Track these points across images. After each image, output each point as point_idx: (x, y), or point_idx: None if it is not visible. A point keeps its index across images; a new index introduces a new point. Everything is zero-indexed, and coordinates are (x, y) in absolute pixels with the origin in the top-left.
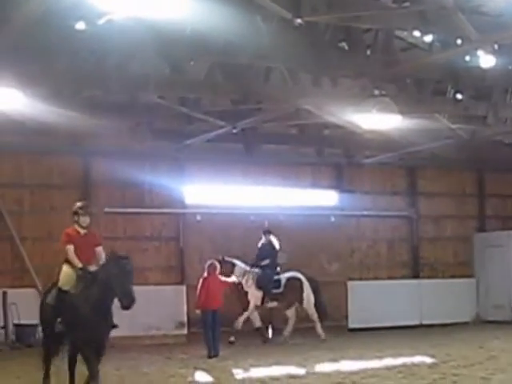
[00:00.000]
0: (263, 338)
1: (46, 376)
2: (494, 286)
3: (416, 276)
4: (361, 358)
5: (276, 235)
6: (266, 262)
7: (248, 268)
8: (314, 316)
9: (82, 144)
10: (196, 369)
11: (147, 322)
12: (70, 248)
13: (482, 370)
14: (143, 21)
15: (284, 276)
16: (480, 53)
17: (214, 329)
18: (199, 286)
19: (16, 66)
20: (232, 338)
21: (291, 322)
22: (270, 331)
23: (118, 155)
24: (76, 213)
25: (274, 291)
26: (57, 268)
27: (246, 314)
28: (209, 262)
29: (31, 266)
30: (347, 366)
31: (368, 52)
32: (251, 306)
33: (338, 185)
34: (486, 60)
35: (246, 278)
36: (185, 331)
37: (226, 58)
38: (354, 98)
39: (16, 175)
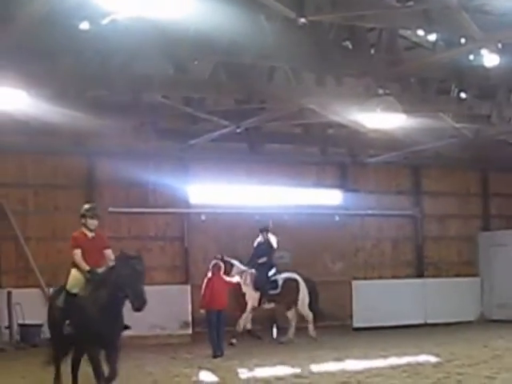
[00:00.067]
0: (256, 337)
1: (57, 377)
2: (498, 285)
3: (420, 275)
4: (365, 357)
5: (278, 234)
6: (263, 260)
7: (245, 268)
8: (310, 317)
9: (86, 144)
10: (201, 368)
11: (152, 321)
12: (78, 252)
13: (486, 369)
14: (147, 21)
15: (281, 277)
16: (484, 52)
17: (218, 329)
18: (204, 286)
19: (20, 66)
20: (234, 340)
21: (293, 323)
22: (275, 331)
23: (123, 155)
24: (84, 215)
25: (271, 292)
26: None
27: (244, 316)
28: (213, 262)
29: (35, 265)
30: (352, 365)
31: (372, 51)
32: (249, 307)
33: (343, 184)
34: (490, 59)
35: (243, 278)
36: (189, 331)
37: (229, 58)
38: (358, 97)
39: (20, 175)
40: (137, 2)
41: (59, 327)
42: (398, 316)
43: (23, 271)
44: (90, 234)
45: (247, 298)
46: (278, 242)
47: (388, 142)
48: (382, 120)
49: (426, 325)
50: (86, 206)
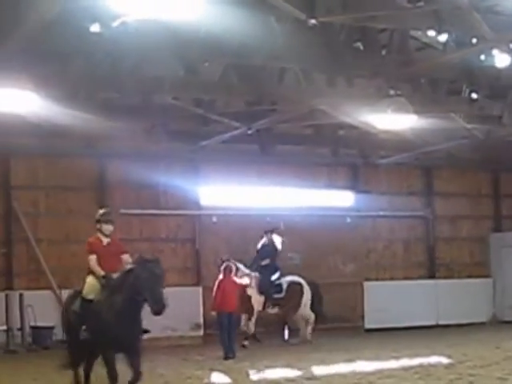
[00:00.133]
0: (256, 339)
1: (77, 382)
2: (510, 286)
3: (432, 276)
4: (377, 358)
5: (289, 235)
6: (266, 262)
7: (248, 271)
8: (311, 318)
9: (97, 146)
10: (212, 370)
11: (163, 323)
12: (93, 258)
13: (498, 370)
14: (158, 23)
15: (285, 280)
16: (495, 52)
17: (229, 331)
18: (215, 288)
19: (31, 68)
20: (246, 342)
21: (303, 325)
22: (286, 333)
23: (133, 157)
24: (98, 221)
25: (276, 296)
26: (72, 269)
27: (253, 319)
28: (224, 264)
29: (47, 267)
30: (363, 366)
31: (383, 52)
32: (255, 310)
33: (354, 185)
34: (501, 59)
35: (249, 281)
36: (201, 333)
37: (240, 60)
38: (369, 98)
39: (31, 177)
40: (147, 5)
41: (75, 332)
42: (410, 317)
43: (35, 273)
44: (105, 240)
45: (253, 301)
46: (282, 244)
47: (399, 143)
48: (393, 121)
49: (437, 326)
50: (101, 212)
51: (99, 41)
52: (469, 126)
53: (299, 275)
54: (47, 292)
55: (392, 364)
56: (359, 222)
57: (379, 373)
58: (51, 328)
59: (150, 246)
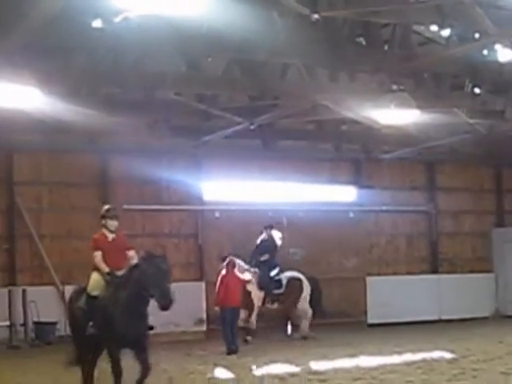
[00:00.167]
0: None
1: (86, 378)
2: None
3: (435, 271)
4: (380, 353)
5: (292, 230)
6: (265, 257)
7: (247, 267)
8: (308, 314)
9: (100, 142)
10: (215, 365)
11: (166, 318)
12: (98, 254)
13: (501, 364)
14: (160, 18)
15: (285, 276)
16: (498, 47)
17: (232, 326)
18: (218, 283)
19: (34, 64)
20: (248, 338)
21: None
22: (289, 327)
23: (136, 152)
24: (103, 217)
25: (276, 292)
26: (75, 265)
27: (254, 315)
28: (227, 260)
29: (50, 263)
30: (366, 361)
31: (386, 47)
32: (255, 305)
33: (357, 180)
34: (504, 54)
35: (250, 277)
36: (204, 328)
37: (242, 55)
38: (371, 94)
39: (34, 173)
40: (149, 0)
41: (82, 328)
42: (413, 312)
43: (38, 269)
44: (110, 236)
45: (253, 296)
46: (282, 239)
47: (402, 138)
48: (396, 116)
49: (440, 321)
50: (106, 207)
51: (101, 36)
52: (471, 120)
53: (299, 270)
54: (50, 288)
55: (395, 359)
56: (362, 217)
57: (382, 368)
58: (54, 324)
59: (153, 241)
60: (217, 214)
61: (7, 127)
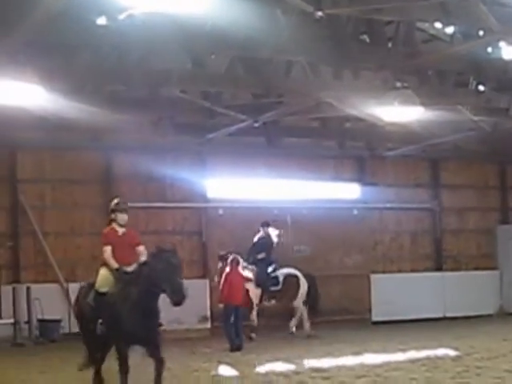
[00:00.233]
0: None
1: (96, 377)
2: None
3: (439, 268)
4: (384, 351)
5: (297, 228)
6: (262, 255)
7: (245, 264)
8: (299, 312)
9: (104, 139)
10: (220, 363)
11: (170, 316)
12: (107, 249)
13: (505, 362)
14: (164, 15)
15: (281, 272)
16: (502, 44)
17: (236, 323)
18: (222, 281)
19: (37, 61)
20: (253, 335)
21: (305, 316)
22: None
23: (140, 150)
24: (113, 210)
25: (273, 289)
26: (79, 262)
27: (254, 311)
28: (231, 257)
29: (54, 260)
30: (371, 359)
31: (389, 44)
32: (254, 303)
33: (361, 177)
34: (508, 51)
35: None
36: (208, 325)
37: (246, 52)
38: (375, 91)
39: (38, 170)
40: None
41: (90, 325)
42: (417, 310)
43: (42, 266)
44: (120, 230)
45: (251, 294)
46: (278, 236)
47: (406, 135)
48: (400, 113)
49: (444, 318)
50: (115, 201)
51: (106, 33)
52: (476, 118)
53: (296, 267)
54: (54, 285)
55: (399, 356)
56: (366, 215)
57: (386, 365)
58: (58, 321)
59: (157, 238)
60: (221, 212)
61: (11, 125)
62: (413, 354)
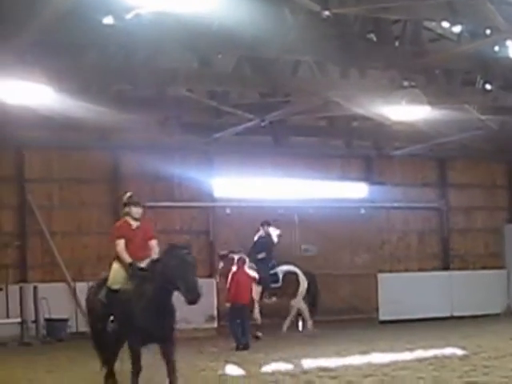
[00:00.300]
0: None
1: (109, 376)
2: None
3: (446, 268)
4: (391, 350)
5: (304, 227)
6: (262, 255)
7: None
8: (293, 311)
9: (111, 138)
10: (226, 362)
11: (177, 315)
12: (120, 242)
13: None
14: (171, 15)
15: (281, 269)
16: (509, 43)
17: (243, 322)
18: (229, 280)
19: (44, 61)
20: (259, 334)
21: (306, 315)
22: (300, 324)
23: (147, 149)
24: (127, 204)
25: (273, 286)
26: (86, 262)
27: (256, 309)
28: (237, 257)
29: (61, 260)
30: (378, 358)
31: (396, 43)
32: (256, 301)
33: (368, 177)
34: None
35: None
36: (215, 325)
37: (253, 52)
38: (382, 90)
39: (45, 170)
40: None
41: (102, 322)
42: (424, 309)
43: (49, 266)
44: (134, 224)
45: (253, 292)
46: (279, 236)
47: (413, 135)
48: (407, 112)
49: (452, 317)
50: (128, 194)
51: (113, 33)
52: (483, 117)
53: (294, 264)
54: (61, 284)
55: (406, 356)
56: (373, 214)
57: (394, 364)
58: (65, 320)
59: (165, 238)
60: (228, 211)
61: (19, 125)
62: (420, 354)
